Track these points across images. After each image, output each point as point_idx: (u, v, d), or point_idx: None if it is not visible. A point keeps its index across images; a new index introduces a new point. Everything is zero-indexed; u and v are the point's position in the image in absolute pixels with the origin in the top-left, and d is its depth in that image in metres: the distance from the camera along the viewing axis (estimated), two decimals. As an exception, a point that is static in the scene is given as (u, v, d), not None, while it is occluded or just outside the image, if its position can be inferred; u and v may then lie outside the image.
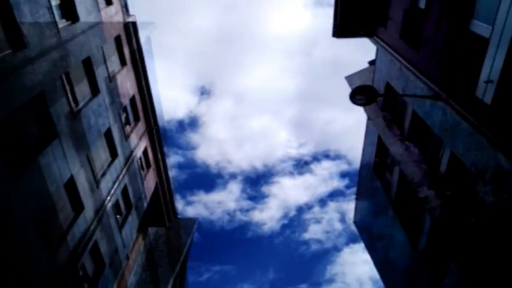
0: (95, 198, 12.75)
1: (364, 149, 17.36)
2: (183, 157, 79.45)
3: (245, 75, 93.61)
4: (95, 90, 13.05)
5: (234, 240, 77.64)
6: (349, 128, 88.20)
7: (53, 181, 10.34)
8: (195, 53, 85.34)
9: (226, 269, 72.97)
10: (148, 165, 18.85)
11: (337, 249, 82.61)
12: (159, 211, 20.89)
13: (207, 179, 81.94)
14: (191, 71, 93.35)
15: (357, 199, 20.51)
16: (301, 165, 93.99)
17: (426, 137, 10.74)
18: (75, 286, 11.40)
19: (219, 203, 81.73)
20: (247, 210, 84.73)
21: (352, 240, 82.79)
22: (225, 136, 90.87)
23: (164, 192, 20.76)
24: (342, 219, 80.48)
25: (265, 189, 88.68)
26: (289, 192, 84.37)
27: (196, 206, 77.87)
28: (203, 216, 76.89)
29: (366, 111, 15.17)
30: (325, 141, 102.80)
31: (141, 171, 17.71)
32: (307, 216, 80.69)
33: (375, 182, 15.91)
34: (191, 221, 23.96)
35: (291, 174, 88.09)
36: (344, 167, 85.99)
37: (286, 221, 79.58)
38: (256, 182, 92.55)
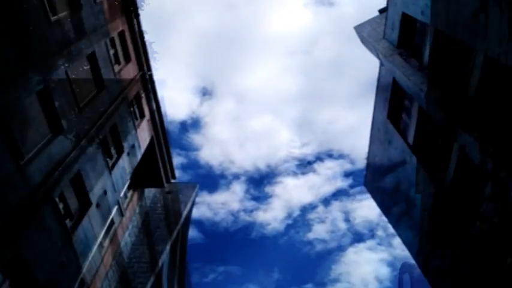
0: (76, 122, 11.22)
1: (375, 108, 16.18)
2: (186, 158, 79.06)
3: (246, 75, 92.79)
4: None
5: (239, 240, 77.23)
6: (352, 127, 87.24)
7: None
8: (196, 54, 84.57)
9: (231, 270, 72.19)
10: (142, 115, 17.32)
11: (341, 249, 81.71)
12: (155, 170, 19.34)
13: (210, 179, 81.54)
14: (192, 72, 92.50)
15: (368, 161, 19.59)
16: (304, 165, 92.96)
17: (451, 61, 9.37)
18: (53, 216, 9.85)
19: (223, 204, 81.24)
20: (251, 211, 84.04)
21: (356, 240, 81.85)
22: (227, 137, 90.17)
23: (161, 148, 19.21)
24: (346, 219, 79.55)
25: (268, 189, 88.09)
26: (293, 192, 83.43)
27: (200, 207, 77.11)
28: (207, 217, 76.17)
29: (378, 54, 13.87)
30: (328, 141, 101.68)
31: (134, 118, 16.18)
32: (311, 216, 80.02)
33: (388, 135, 14.79)
34: (191, 185, 22.42)
35: (294, 174, 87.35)
36: (347, 166, 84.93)
37: (290, 221, 79.04)
38: (260, 182, 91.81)
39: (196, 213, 74.77)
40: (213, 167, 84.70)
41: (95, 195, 12.16)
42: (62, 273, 10.03)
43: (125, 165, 14.85)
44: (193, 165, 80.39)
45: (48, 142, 9.97)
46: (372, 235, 79.64)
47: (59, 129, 10.42)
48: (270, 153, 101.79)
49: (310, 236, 77.83)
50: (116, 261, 16.05)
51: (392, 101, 14.06)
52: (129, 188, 18.33)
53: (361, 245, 75.35)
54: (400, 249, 73.99)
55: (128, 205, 17.67)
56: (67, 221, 10.88)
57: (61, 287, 9.93)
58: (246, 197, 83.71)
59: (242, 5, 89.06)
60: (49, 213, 9.66)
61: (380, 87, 15.58)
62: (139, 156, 16.41)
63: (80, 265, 11.05)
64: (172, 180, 21.26)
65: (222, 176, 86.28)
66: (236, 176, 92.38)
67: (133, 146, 15.70)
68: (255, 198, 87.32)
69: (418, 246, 13.27)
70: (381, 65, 14.85)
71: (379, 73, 15.37)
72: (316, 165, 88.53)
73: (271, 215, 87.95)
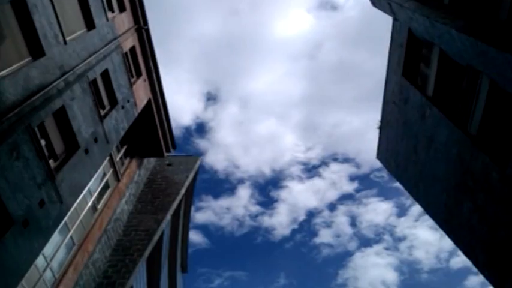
0: (60, 52, 10.07)
1: (388, 70, 15.24)
2: None
3: (251, 80, 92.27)
4: None
5: (244, 245, 76.53)
6: (357, 131, 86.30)
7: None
8: (201, 59, 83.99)
9: (237, 275, 71.36)
10: (138, 73, 16.18)
11: (348, 253, 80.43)
12: (154, 138, 18.16)
13: (215, 184, 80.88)
14: (197, 77, 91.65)
15: (380, 130, 18.62)
16: (309, 169, 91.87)
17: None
18: (30, 146, 8.65)
19: (228, 209, 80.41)
20: (256, 216, 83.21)
21: (363, 244, 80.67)
22: (232, 141, 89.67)
23: (160, 114, 18.03)
24: (353, 223, 78.42)
25: (273, 194, 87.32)
26: (298, 196, 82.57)
27: (206, 212, 76.31)
28: (212, 222, 75.09)
29: (392, 6, 12.78)
30: (332, 145, 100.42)
31: (129, 74, 15.02)
32: (317, 220, 79.20)
33: (404, 93, 13.82)
34: (194, 158, 21.19)
35: (300, 178, 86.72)
36: (353, 170, 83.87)
37: (296, 226, 78.09)
38: (265, 187, 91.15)
39: (201, 218, 74.04)
40: (218, 172, 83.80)
41: (83, 139, 10.96)
42: (42, 213, 8.81)
43: (119, 118, 13.67)
44: (198, 170, 79.44)
45: (26, 64, 8.82)
46: (379, 239, 78.31)
47: (39, 53, 9.27)
48: (275, 158, 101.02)
49: (317, 240, 76.67)
50: (111, 227, 14.83)
51: (408, 56, 13.20)
52: (126, 155, 17.15)
53: (368, 250, 74.30)
54: (407, 254, 72.51)
55: (124, 171, 16.47)
56: (51, 161, 9.69)
57: (39, 228, 8.69)
58: (251, 201, 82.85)
59: (246, 10, 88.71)
60: (26, 142, 8.47)
61: (393, 46, 14.66)
62: (135, 113, 15.23)
63: (64, 211, 9.82)
64: (173, 152, 20.08)
65: (227, 180, 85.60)
66: (241, 181, 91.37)
67: (128, 101, 14.53)
68: (260, 203, 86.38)
69: (444, 204, 12.08)
70: (394, 20, 13.83)
71: (392, 31, 14.47)
72: (321, 170, 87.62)
73: (277, 220, 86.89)
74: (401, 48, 13.51)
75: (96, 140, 11.77)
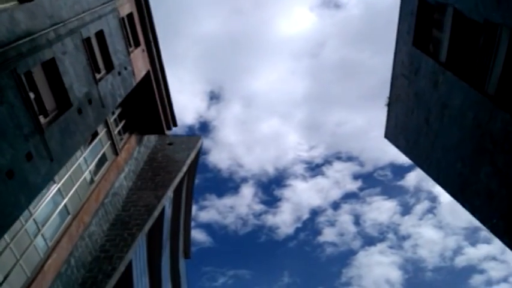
0: (50, 1, 9.43)
1: (398, 41, 14.65)
2: None
3: (254, 79, 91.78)
4: None
5: (248, 244, 76.47)
6: (360, 130, 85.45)
7: None
8: (204, 58, 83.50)
9: (241, 273, 71.12)
10: (136, 43, 15.53)
11: (352, 252, 79.95)
12: (154, 113, 17.49)
13: (218, 183, 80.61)
14: (200, 76, 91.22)
15: (388, 106, 18.03)
16: (312, 168, 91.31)
17: None
18: (16, 93, 8.01)
19: (232, 208, 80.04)
20: (260, 214, 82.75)
21: (367, 243, 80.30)
22: (235, 140, 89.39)
23: (159, 88, 17.36)
24: (356, 222, 77.98)
25: (277, 192, 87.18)
26: (302, 195, 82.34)
27: (209, 211, 75.92)
28: (216, 221, 74.64)
29: None
30: (336, 143, 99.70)
31: (127, 42, 14.37)
32: (321, 219, 78.86)
33: (415, 64, 13.28)
34: (195, 137, 20.52)
35: (303, 177, 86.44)
36: (356, 168, 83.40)
37: (299, 225, 77.85)
38: (268, 186, 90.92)
39: (205, 216, 73.59)
40: (221, 171, 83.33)
41: (75, 98, 10.31)
42: (30, 167, 8.17)
43: (115, 84, 13.01)
44: (201, 169, 79.59)
45: (12, 7, 8.18)
46: (383, 238, 77.80)
47: (26, -2, 8.63)
48: (278, 157, 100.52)
49: (320, 239, 76.21)
50: (109, 202, 14.20)
51: (418, 23, 12.67)
52: (125, 130, 16.53)
53: (372, 248, 73.78)
54: (411, 252, 71.75)
55: (123, 146, 15.84)
56: (41, 118, 9.05)
57: (26, 183, 8.05)
58: (254, 200, 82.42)
59: (249, 9, 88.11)
60: (11, 87, 7.82)
61: (403, 16, 14.11)
62: (133, 82, 14.57)
63: (54, 169, 9.17)
64: (174, 130, 19.43)
65: (231, 179, 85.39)
66: (244, 180, 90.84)
67: (125, 69, 13.88)
68: (264, 202, 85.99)
69: (459, 174, 11.41)
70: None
71: (401, 2, 13.95)
72: (324, 168, 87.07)
73: (280, 219, 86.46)
74: (411, 17, 12.93)
75: (90, 102, 11.11)
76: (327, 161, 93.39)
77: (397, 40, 14.74)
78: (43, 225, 10.39)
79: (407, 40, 13.43)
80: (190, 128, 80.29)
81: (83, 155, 12.61)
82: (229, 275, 70.11)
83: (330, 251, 72.80)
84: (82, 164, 12.54)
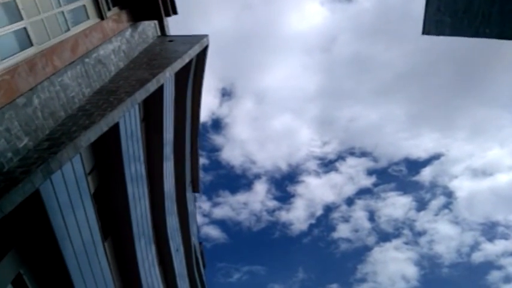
0: None
1: None
2: (207, 159, 76.97)
3: (265, 75, 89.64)
4: None
5: (262, 240, 75.66)
6: (374, 125, 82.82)
7: None
8: (214, 55, 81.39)
9: (256, 269, 70.05)
10: None
11: (367, 248, 78.81)
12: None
13: (231, 180, 79.72)
14: (211, 73, 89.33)
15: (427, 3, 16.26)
16: (326, 164, 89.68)
17: None
18: None
19: (245, 204, 79.34)
20: (274, 211, 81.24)
21: (382, 239, 78.58)
22: (247, 137, 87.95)
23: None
24: (371, 218, 75.78)
25: (290, 189, 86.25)
26: (315, 191, 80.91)
27: (223, 207, 74.48)
28: (230, 217, 73.61)
29: None
30: (349, 139, 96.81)
31: None
32: (335, 215, 77.47)
33: None
34: (200, 35, 17.78)
35: (316, 173, 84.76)
36: (370, 164, 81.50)
37: (313, 221, 76.23)
38: (281, 182, 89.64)
39: (218, 213, 72.07)
40: (234, 168, 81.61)
41: None
42: None
43: None
44: (214, 166, 79.13)
45: None
46: (398, 234, 75.32)
47: None
48: (291, 153, 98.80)
49: (335, 235, 74.24)
50: (91, 64, 11.55)
51: None
52: (114, 3, 13.85)
53: (387, 244, 71.87)
54: (427, 248, 69.25)
55: (111, 16, 13.17)
56: None
57: None
58: (267, 197, 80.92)
59: (259, 5, 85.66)
60: None
61: None
62: None
63: None
64: (175, 28, 16.65)
65: (244, 176, 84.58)
66: (257, 176, 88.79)
67: None
68: (277, 198, 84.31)
69: None
70: None
71: None
72: (338, 164, 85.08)
73: (294, 215, 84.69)
74: None
75: None
76: (341, 157, 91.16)
77: None
78: (-12, 31, 7.73)
79: None
80: (203, 125, 78.86)
81: (53, -13, 9.94)
82: (243, 271, 68.88)
83: (345, 247, 70.80)
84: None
